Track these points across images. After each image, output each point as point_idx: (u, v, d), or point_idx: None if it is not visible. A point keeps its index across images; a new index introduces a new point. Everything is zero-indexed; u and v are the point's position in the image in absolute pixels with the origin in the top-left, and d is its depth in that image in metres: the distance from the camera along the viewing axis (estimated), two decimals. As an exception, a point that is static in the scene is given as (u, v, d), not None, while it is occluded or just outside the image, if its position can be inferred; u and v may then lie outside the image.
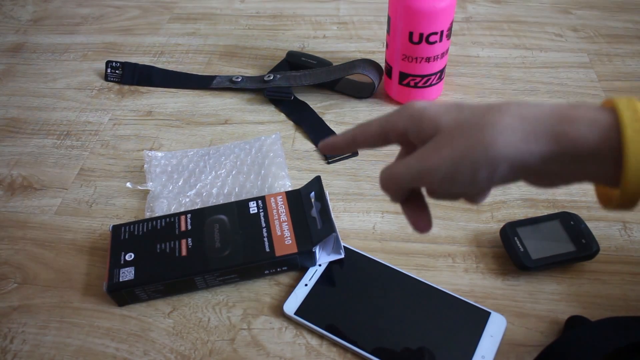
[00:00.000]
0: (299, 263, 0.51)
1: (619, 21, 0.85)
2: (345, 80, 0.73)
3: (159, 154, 0.64)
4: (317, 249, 0.50)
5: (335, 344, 0.47)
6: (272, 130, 0.68)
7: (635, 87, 0.72)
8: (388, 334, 0.47)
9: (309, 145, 0.66)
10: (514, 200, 0.58)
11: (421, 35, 0.62)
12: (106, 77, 0.78)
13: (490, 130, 0.30)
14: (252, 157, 0.63)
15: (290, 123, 0.69)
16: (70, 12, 0.93)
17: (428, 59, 0.64)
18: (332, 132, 0.67)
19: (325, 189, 0.56)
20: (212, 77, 0.76)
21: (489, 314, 0.48)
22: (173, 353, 0.47)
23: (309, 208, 0.53)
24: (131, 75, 0.77)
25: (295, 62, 0.75)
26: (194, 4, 0.94)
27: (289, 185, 0.60)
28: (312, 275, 0.51)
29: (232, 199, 0.59)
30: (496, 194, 0.59)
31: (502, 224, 0.56)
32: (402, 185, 0.35)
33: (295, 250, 0.50)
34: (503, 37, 0.82)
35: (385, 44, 0.68)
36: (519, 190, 0.59)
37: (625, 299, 0.49)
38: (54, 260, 0.55)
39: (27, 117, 0.72)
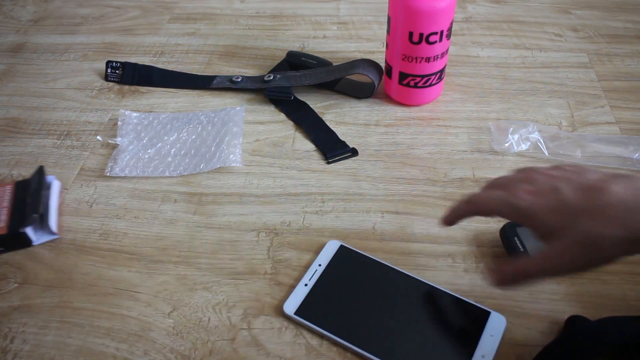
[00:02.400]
0: (11, 243, 0.56)
1: (619, 21, 0.85)
2: (345, 80, 0.73)
3: (134, 114, 0.70)
4: (29, 230, 0.55)
5: (335, 343, 0.47)
6: (272, 130, 0.68)
7: (635, 87, 0.72)
8: (388, 333, 0.47)
9: (309, 145, 0.66)
10: (513, 200, 0.58)
11: (421, 35, 0.62)
12: (106, 77, 0.78)
13: (601, 244, 0.35)
14: (213, 125, 0.67)
15: (290, 123, 0.69)
16: (71, 12, 0.93)
17: (428, 59, 0.64)
18: (332, 132, 0.67)
19: (48, 175, 0.62)
20: (212, 77, 0.76)
21: (488, 313, 0.48)
22: (173, 353, 0.47)
23: (35, 196, 0.57)
24: (131, 75, 0.77)
25: (295, 62, 0.75)
26: (194, 4, 0.94)
27: (239, 155, 0.64)
28: (312, 275, 0.51)
29: (187, 161, 0.64)
30: (496, 194, 0.59)
31: (502, 224, 0.56)
32: (532, 279, 0.39)
33: (5, 232, 0.55)
34: (503, 37, 0.82)
35: (385, 44, 0.69)
36: (519, 190, 0.59)
37: (625, 299, 0.49)
38: (54, 260, 0.55)
39: (27, 117, 0.72)
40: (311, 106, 0.71)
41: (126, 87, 0.76)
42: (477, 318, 0.47)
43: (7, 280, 0.53)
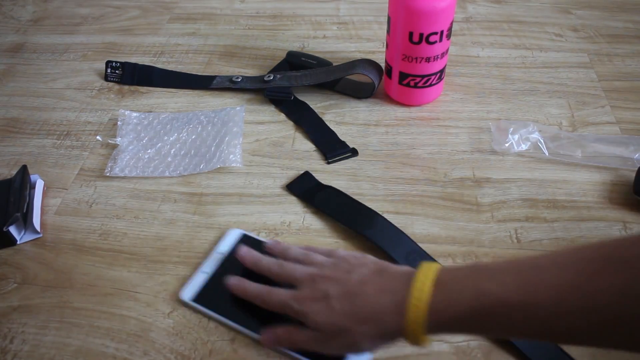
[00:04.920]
0: None
1: (619, 21, 0.85)
2: (345, 80, 0.73)
3: (134, 114, 0.70)
4: (12, 229, 0.55)
5: (231, 328, 0.48)
6: (272, 130, 0.68)
7: (635, 87, 0.72)
8: (286, 319, 0.47)
9: (309, 145, 0.66)
10: (514, 200, 0.58)
11: (421, 35, 0.62)
12: (106, 77, 0.78)
13: (359, 344, 0.42)
14: (213, 126, 0.67)
15: (290, 123, 0.69)
16: (70, 12, 0.93)
17: (428, 59, 0.64)
18: (332, 132, 0.67)
19: (33, 175, 0.62)
20: (212, 77, 0.76)
21: None
22: (173, 353, 0.47)
23: (18, 195, 0.57)
24: (131, 75, 0.77)
25: (295, 62, 0.75)
26: (194, 4, 0.94)
27: (239, 155, 0.64)
28: (212, 263, 0.52)
29: (187, 161, 0.63)
30: (496, 194, 0.59)
31: (502, 224, 0.56)
32: (297, 346, 0.45)
33: None
34: (503, 37, 0.82)
35: (385, 44, 0.69)
36: (519, 190, 0.59)
37: (625, 299, 0.49)
38: (54, 260, 0.55)
39: (27, 117, 0.72)
40: (311, 106, 0.71)
41: (126, 87, 0.76)
42: None
43: (7, 280, 0.53)
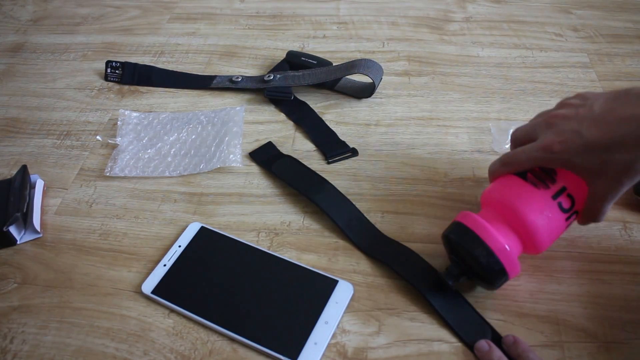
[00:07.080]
0: None
1: (619, 21, 0.85)
2: (345, 80, 0.73)
3: (134, 114, 0.70)
4: (12, 229, 0.55)
5: (198, 321, 0.49)
6: (272, 130, 0.68)
7: (635, 87, 0.72)
8: (240, 307, 0.49)
9: (309, 145, 0.66)
10: (514, 200, 0.58)
11: None
12: (106, 77, 0.78)
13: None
14: (213, 126, 0.67)
15: (290, 123, 0.69)
16: (70, 12, 0.93)
17: None
18: (332, 132, 0.67)
19: (33, 175, 0.62)
20: (212, 77, 0.76)
21: (336, 282, 0.50)
22: (173, 353, 0.47)
23: (18, 195, 0.57)
24: (131, 75, 0.77)
25: (295, 62, 0.75)
26: (194, 4, 0.94)
27: (239, 155, 0.64)
28: (172, 256, 0.53)
29: (186, 161, 0.63)
30: (496, 194, 0.59)
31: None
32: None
33: None
34: (503, 37, 0.82)
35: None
36: (519, 190, 0.59)
37: (625, 299, 0.49)
38: (54, 260, 0.55)
39: (27, 117, 0.72)
40: (311, 106, 0.71)
41: (126, 87, 0.76)
42: (325, 287, 0.50)
43: (7, 280, 0.53)
